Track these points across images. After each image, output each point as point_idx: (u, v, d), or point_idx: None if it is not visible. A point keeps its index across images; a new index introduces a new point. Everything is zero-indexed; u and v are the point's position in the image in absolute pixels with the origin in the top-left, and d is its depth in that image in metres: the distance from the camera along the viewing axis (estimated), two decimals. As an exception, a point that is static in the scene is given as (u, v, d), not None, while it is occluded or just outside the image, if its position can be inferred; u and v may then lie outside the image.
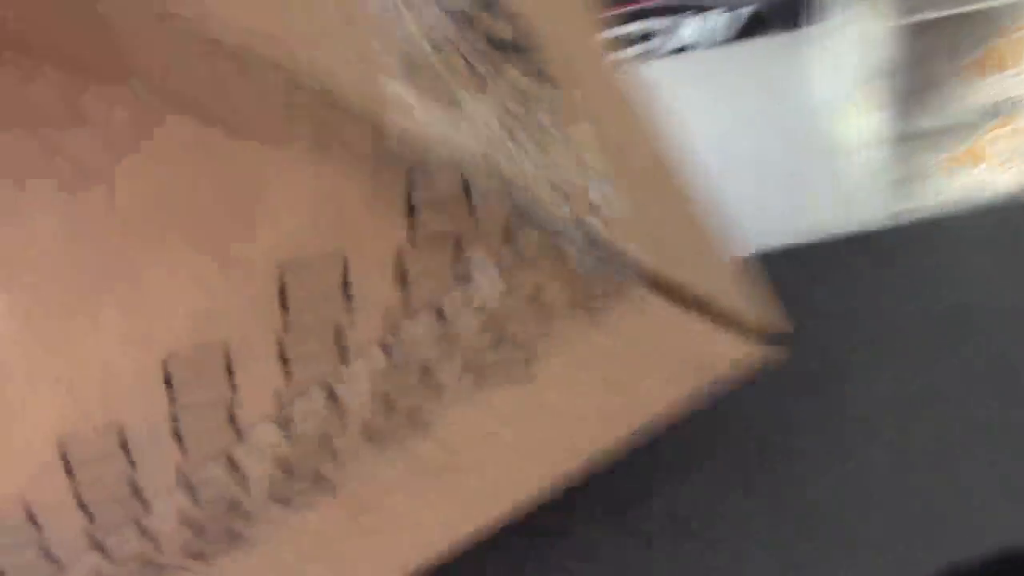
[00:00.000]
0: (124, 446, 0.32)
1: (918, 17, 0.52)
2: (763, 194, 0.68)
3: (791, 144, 0.70)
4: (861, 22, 0.63)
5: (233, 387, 0.32)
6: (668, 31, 0.76)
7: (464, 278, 0.32)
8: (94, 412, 0.31)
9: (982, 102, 0.57)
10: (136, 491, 0.34)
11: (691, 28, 0.77)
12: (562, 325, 0.36)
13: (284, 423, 0.34)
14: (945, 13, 0.52)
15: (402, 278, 0.31)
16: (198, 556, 0.39)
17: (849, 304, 0.61)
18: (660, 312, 0.38)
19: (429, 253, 0.30)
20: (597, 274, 0.35)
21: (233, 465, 0.35)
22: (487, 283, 0.33)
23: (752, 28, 0.77)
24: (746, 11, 0.76)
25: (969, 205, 0.64)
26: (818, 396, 0.57)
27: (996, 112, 0.57)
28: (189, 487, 0.35)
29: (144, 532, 0.36)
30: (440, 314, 0.33)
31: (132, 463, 0.33)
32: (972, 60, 0.54)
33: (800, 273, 0.62)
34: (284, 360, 0.32)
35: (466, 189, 0.30)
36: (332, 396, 0.34)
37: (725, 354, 0.43)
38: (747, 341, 0.43)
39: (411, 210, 0.29)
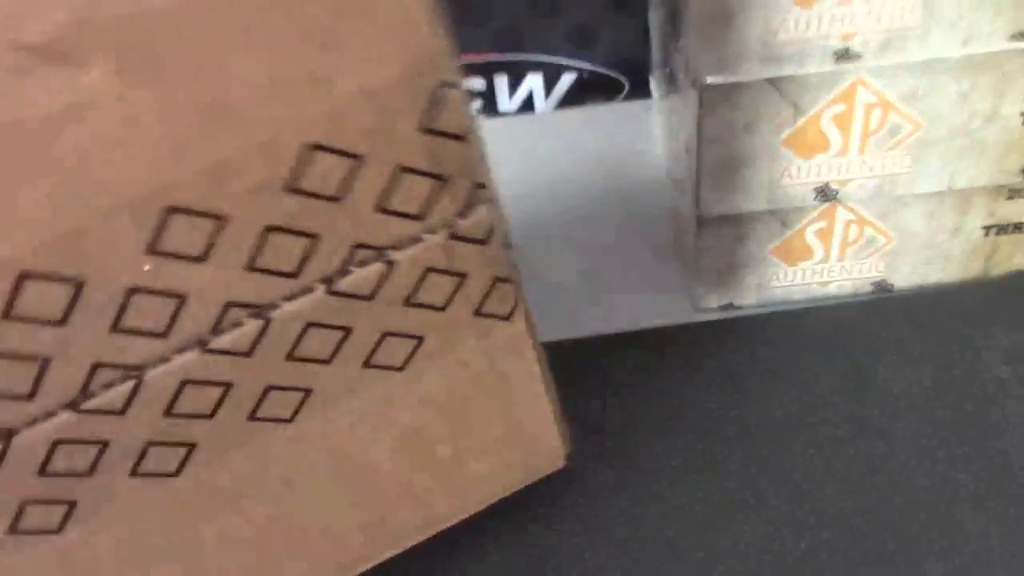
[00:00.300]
0: (75, 295, 0.30)
1: (721, 80, 0.46)
2: (573, 280, 0.62)
3: (602, 226, 0.65)
4: (670, 91, 0.58)
5: (206, 255, 0.31)
6: (485, 92, 0.71)
7: (417, 236, 0.34)
8: (83, 233, 0.29)
9: (802, 185, 0.51)
10: (40, 372, 0.31)
11: (506, 92, 0.72)
12: (457, 324, 0.38)
13: (217, 334, 0.33)
14: (747, 79, 0.46)
15: (382, 208, 0.33)
16: (15, 527, 0.34)
17: (651, 399, 0.55)
18: (521, 357, 0.40)
19: (412, 187, 0.33)
20: (507, 278, 0.38)
21: (136, 391, 0.33)
22: (434, 246, 0.35)
23: (576, 95, 0.72)
24: (569, 77, 0.71)
25: (793, 302, 0.59)
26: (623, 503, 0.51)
27: (819, 198, 0.51)
28: (75, 408, 0.32)
29: (8, 446, 0.32)
30: (388, 263, 0.34)
31: (64, 321, 0.30)
32: (785, 136, 0.49)
33: (608, 364, 0.57)
34: (252, 267, 0.32)
35: (465, 135, 0.33)
36: (266, 322, 0.34)
37: (541, 439, 0.45)
38: (554, 443, 0.46)
39: (425, 125, 0.32)
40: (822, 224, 0.53)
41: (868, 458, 0.50)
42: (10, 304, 0.29)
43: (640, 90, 0.71)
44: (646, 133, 0.69)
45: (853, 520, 0.48)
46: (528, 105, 0.73)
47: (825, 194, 0.52)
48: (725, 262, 0.55)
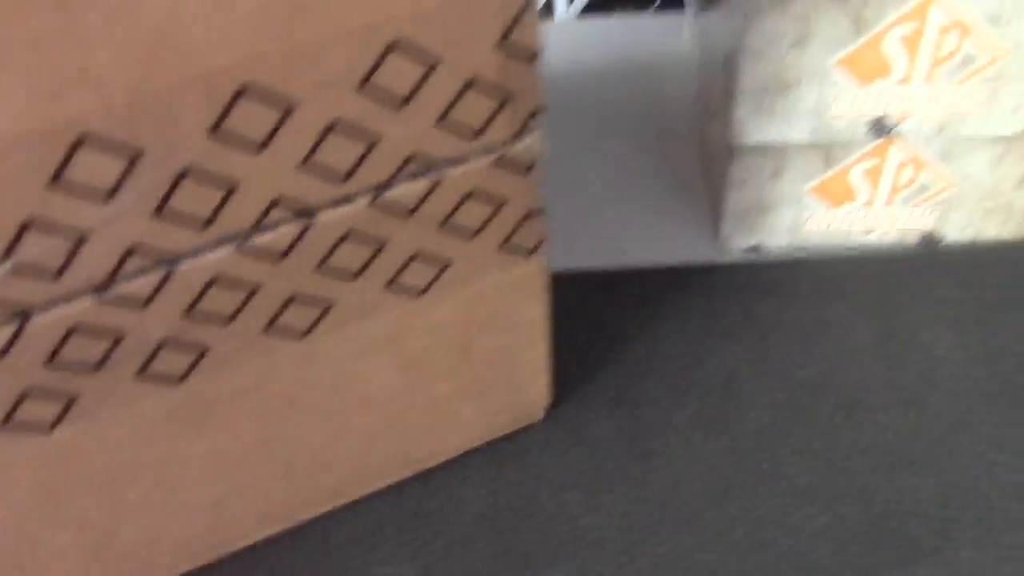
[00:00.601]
0: (128, 168, 0.28)
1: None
2: (586, 208, 0.56)
3: (621, 150, 0.59)
4: (709, 4, 0.51)
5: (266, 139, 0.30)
6: None
7: (469, 155, 0.34)
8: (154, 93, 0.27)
9: (854, 116, 0.45)
10: (74, 249, 0.29)
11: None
12: (484, 255, 0.37)
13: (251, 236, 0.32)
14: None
15: (443, 120, 0.32)
16: (10, 418, 0.33)
17: (661, 345, 0.50)
18: (533, 299, 0.40)
19: (475, 104, 0.32)
20: (538, 213, 0.37)
21: (165, 282, 0.32)
22: (482, 167, 0.34)
23: (603, 2, 0.66)
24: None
25: (831, 249, 0.53)
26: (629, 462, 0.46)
27: (872, 132, 0.45)
28: (99, 294, 0.31)
29: (24, 327, 0.30)
30: (436, 179, 0.34)
31: (111, 195, 0.28)
32: (840, 56, 0.42)
33: (617, 302, 0.52)
34: (307, 164, 0.31)
35: (534, 58, 0.33)
36: (307, 226, 0.33)
37: (530, 388, 0.44)
38: (541, 394, 0.45)
39: (503, 40, 0.31)
40: (872, 163, 0.47)
41: (899, 430, 0.45)
42: (61, 170, 0.27)
43: (674, 2, 0.64)
44: (678, 50, 0.62)
45: (877, 497, 0.43)
46: (548, 10, 0.66)
47: (880, 128, 0.45)
48: (757, 198, 0.49)
